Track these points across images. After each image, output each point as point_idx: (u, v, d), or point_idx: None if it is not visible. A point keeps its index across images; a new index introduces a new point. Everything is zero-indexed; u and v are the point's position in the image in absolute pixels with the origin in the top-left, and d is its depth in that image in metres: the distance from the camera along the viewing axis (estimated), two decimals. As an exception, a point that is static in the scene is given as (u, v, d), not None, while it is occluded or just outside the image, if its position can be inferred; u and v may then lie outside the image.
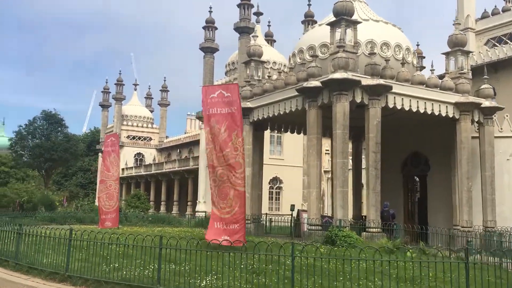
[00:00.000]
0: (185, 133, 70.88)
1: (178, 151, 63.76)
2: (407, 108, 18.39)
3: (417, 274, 10.39)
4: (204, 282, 8.89)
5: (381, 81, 17.44)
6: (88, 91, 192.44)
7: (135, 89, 73.01)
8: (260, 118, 21.43)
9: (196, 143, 59.93)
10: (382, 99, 17.67)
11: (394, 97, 18.08)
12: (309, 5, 46.68)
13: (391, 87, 17.65)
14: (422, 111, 18.76)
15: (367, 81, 17.32)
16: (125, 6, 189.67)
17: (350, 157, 26.96)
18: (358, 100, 17.38)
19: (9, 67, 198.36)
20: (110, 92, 71.11)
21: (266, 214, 30.72)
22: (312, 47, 20.44)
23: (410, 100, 18.46)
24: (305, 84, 18.05)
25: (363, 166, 29.39)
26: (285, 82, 19.99)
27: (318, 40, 20.34)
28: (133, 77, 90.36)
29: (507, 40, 31.83)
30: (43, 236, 11.38)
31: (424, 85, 19.07)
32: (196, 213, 43.75)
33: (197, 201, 45.21)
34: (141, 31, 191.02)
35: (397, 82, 18.13)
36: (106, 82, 71.96)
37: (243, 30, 41.01)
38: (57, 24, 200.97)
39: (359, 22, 18.28)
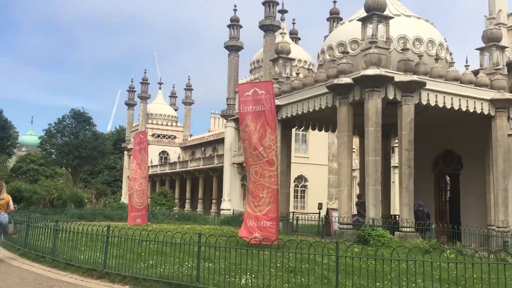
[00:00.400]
0: (209, 131, 71.15)
1: (202, 149, 64.00)
2: (441, 105, 17.96)
3: (459, 275, 10.10)
4: (243, 281, 8.78)
5: (415, 77, 17.07)
6: (113, 91, 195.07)
7: (160, 88, 73.64)
8: (289, 115, 21.24)
9: (220, 141, 60.10)
10: (416, 96, 17.30)
11: (428, 94, 17.67)
12: (334, 2, 46.26)
13: (424, 84, 17.26)
14: (456, 108, 18.31)
15: (400, 77, 16.98)
16: (150, 6, 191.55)
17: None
18: (391, 97, 17.06)
19: (37, 67, 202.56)
20: (135, 91, 71.88)
21: (293, 212, 30.53)
22: (342, 44, 20.14)
23: (444, 96, 18.03)
24: (335, 81, 17.80)
25: (392, 164, 28.95)
26: (315, 79, 19.76)
27: (348, 36, 20.03)
28: (157, 76, 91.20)
29: (541, 35, 30.91)
30: (80, 233, 11.44)
31: (459, 81, 18.61)
32: (221, 211, 43.81)
33: (222, 199, 45.25)
34: (166, 31, 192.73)
35: (431, 79, 17.72)
36: (132, 81, 72.80)
37: (268, 28, 40.92)
38: (84, 24, 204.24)
39: (391, 17, 17.93)
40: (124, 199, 58.80)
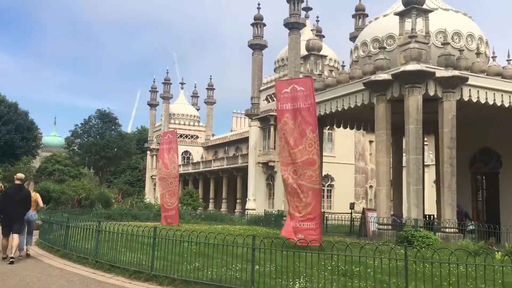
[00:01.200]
0: (231, 131, 70.95)
1: (225, 149, 63.85)
2: (483, 101, 17.33)
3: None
4: (297, 285, 8.42)
5: (456, 73, 16.49)
6: (133, 91, 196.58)
7: (182, 88, 73.73)
8: (322, 113, 20.77)
9: (243, 140, 59.87)
10: (457, 92, 16.72)
11: (470, 90, 17.07)
12: (360, -3, 45.58)
13: (467, 79, 16.66)
14: (499, 104, 17.65)
15: (441, 72, 16.41)
16: (171, 6, 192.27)
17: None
18: (431, 93, 16.50)
19: (60, 69, 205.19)
20: (157, 91, 72.06)
21: (324, 212, 30.02)
22: (377, 39, 19.64)
23: (486, 92, 17.40)
24: (373, 77, 17.31)
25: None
26: (350, 76, 19.29)
27: (384, 32, 19.52)
28: (177, 77, 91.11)
29: None
30: (124, 234, 11.21)
31: (500, 76, 17.94)
32: (246, 210, 43.52)
33: (247, 199, 44.98)
34: (187, 31, 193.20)
35: (472, 74, 17.10)
36: (154, 82, 73.01)
37: (293, 26, 40.48)
38: (105, 25, 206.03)
39: (430, 11, 17.37)
40: (147, 198, 59.06)
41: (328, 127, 25.23)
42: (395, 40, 18.96)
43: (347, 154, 42.61)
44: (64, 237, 14.25)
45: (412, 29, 16.63)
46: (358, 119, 22.82)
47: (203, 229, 19.55)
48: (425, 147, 37.32)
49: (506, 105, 17.84)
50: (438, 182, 19.64)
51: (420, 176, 15.99)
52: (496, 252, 12.13)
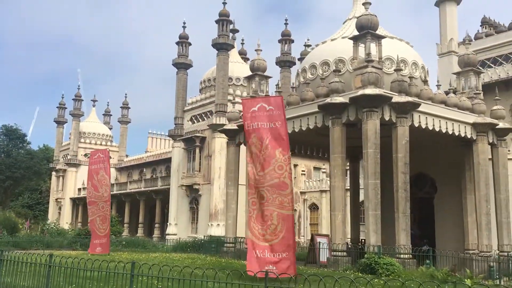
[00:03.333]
0: (146, 152, 68.11)
1: (141, 170, 61.00)
2: (430, 128, 17.72)
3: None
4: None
5: (410, 99, 16.69)
6: (32, 109, 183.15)
7: (94, 105, 69.62)
8: (269, 135, 20.09)
9: (161, 162, 57.60)
10: (409, 118, 16.90)
11: (419, 116, 17.37)
12: (286, 24, 46.38)
13: (419, 105, 16.94)
14: (444, 130, 18.16)
15: (396, 98, 16.51)
16: (83, 29, 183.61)
17: (347, 177, 26.21)
18: (387, 118, 16.51)
19: None
20: (66, 108, 67.35)
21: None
22: (327, 62, 19.55)
23: (433, 119, 17.83)
24: (329, 100, 17.00)
25: (361, 186, 28.58)
26: (301, 98, 18.88)
27: (332, 55, 19.48)
28: (81, 94, 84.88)
29: (491, 64, 32.45)
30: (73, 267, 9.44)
31: (444, 104, 18.53)
32: (167, 235, 41.39)
33: (168, 223, 42.85)
34: (101, 53, 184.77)
35: (421, 100, 17.44)
36: (62, 97, 68.12)
37: (222, 47, 39.86)
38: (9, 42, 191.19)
39: (384, 37, 17.57)
40: (53, 224, 54.16)
41: None
42: (345, 64, 18.97)
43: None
44: None
45: (369, 53, 16.64)
46: (306, 143, 22.47)
47: (141, 259, 17.76)
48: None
49: (450, 132, 18.42)
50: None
51: (379, 201, 15.77)
52: (465, 280, 11.96)
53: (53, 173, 63.31)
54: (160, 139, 71.04)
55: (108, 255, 20.00)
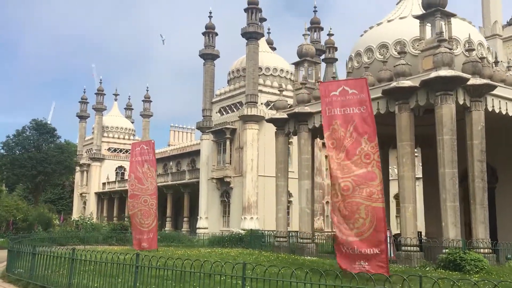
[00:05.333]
0: (168, 145, 67.48)
1: (165, 164, 60.27)
2: (504, 112, 16.49)
3: None
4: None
5: (485, 81, 15.46)
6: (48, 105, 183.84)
7: (115, 99, 69.00)
8: (317, 126, 19.02)
9: (185, 155, 56.78)
10: (483, 101, 15.69)
11: (493, 99, 16.15)
12: (315, 11, 45.14)
13: (494, 87, 15.72)
14: (517, 115, 16.89)
15: (472, 80, 15.29)
16: (101, 28, 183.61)
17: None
18: (461, 101, 15.32)
19: None
20: (88, 102, 66.89)
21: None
22: (385, 45, 18.35)
23: (506, 102, 16.59)
24: (395, 84, 15.84)
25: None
26: (361, 82, 17.68)
27: (391, 37, 18.29)
28: (93, 89, 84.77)
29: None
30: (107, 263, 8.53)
31: (515, 87, 17.25)
32: (198, 229, 40.64)
33: (199, 217, 42.03)
34: (119, 49, 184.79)
35: (496, 83, 16.20)
36: (84, 92, 67.69)
37: (252, 36, 38.74)
38: (29, 42, 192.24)
39: (454, 15, 16.33)
40: (77, 218, 53.86)
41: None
42: (405, 45, 17.77)
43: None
44: (30, 267, 11.55)
45: (440, 32, 15.43)
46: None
47: (193, 255, 16.86)
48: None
49: (523, 117, 17.13)
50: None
51: (457, 192, 14.63)
52: None
53: (77, 167, 62.93)
54: (182, 132, 70.36)
55: (156, 250, 19.17)
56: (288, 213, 40.97)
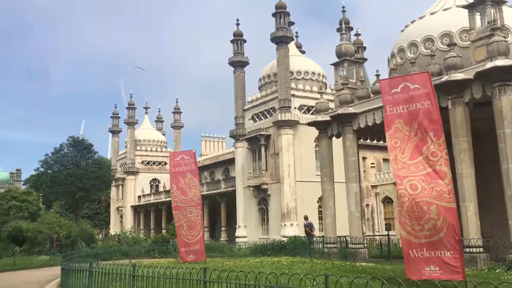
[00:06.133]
0: (200, 155, 67.53)
1: (199, 174, 60.22)
2: None
3: None
4: None
5: (545, 69, 14.58)
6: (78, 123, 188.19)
7: (146, 113, 69.74)
8: (370, 124, 18.40)
9: (218, 165, 56.70)
10: (543, 92, 14.79)
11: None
12: (343, 11, 44.45)
13: (556, 77, 14.79)
14: None
15: (531, 69, 14.45)
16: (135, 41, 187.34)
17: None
18: (519, 93, 14.49)
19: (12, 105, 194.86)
20: (119, 117, 67.82)
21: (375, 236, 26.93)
22: (430, 38, 17.66)
23: None
24: (447, 78, 15.13)
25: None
26: (408, 79, 17.02)
27: (436, 30, 17.59)
28: (123, 103, 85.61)
29: None
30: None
31: None
32: (236, 238, 40.25)
33: (237, 226, 41.70)
34: (148, 64, 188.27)
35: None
36: (115, 107, 68.82)
37: (281, 40, 38.38)
38: (59, 63, 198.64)
39: (505, 1, 15.54)
40: (113, 232, 54.34)
41: (376, 140, 22.43)
42: (452, 37, 17.04)
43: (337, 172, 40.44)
44: (88, 285, 11.31)
45: (494, 20, 14.68)
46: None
47: (243, 266, 16.44)
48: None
49: None
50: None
51: (524, 188, 13.81)
52: None
53: (112, 182, 63.65)
54: (213, 141, 70.37)
55: (204, 262, 18.82)
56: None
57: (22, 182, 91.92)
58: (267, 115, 40.09)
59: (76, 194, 39.45)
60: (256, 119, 41.40)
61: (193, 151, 21.01)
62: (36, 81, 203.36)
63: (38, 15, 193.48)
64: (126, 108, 64.63)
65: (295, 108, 38.28)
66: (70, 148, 40.87)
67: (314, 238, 24.33)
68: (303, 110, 38.74)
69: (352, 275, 7.73)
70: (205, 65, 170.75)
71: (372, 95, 18.64)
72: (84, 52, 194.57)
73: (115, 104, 70.27)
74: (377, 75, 18.93)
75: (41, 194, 50.99)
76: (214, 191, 47.57)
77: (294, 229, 35.25)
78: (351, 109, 18.87)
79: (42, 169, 41.42)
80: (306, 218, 25.31)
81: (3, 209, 39.23)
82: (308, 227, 23.65)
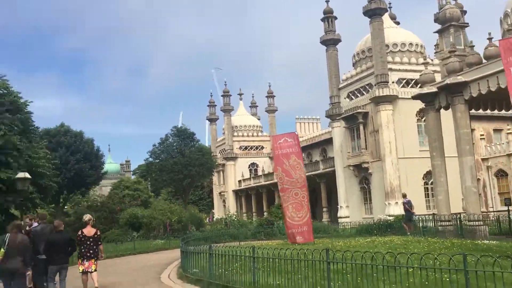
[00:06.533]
0: (296, 137, 67.56)
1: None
2: None
3: None
4: None
5: None
6: (176, 115, 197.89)
7: (240, 99, 71.21)
8: (484, 92, 17.05)
9: (314, 146, 56.49)
10: None
11: None
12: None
13: None
14: None
15: None
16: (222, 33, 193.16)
17: None
18: None
19: (109, 103, 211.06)
20: (215, 105, 69.98)
21: (434, 214, 25.62)
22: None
23: None
24: None
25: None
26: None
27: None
28: (217, 93, 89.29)
29: None
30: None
31: None
32: (339, 219, 39.89)
33: (339, 206, 41.34)
34: (236, 51, 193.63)
35: None
36: (211, 96, 70.96)
37: (375, 13, 36.86)
38: (155, 60, 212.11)
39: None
40: (217, 216, 56.49)
41: (490, 109, 20.92)
42: None
43: (448, 146, 38.25)
44: (209, 267, 11.82)
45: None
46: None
47: (357, 246, 16.18)
48: None
49: None
50: None
51: None
52: None
53: (213, 170, 66.15)
54: (308, 123, 70.10)
55: (313, 243, 18.86)
56: (433, 194, 38.45)
57: (131, 173, 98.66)
58: (364, 92, 38.96)
59: (183, 181, 41.50)
60: (352, 97, 40.41)
61: (296, 133, 20.98)
62: (136, 79, 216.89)
63: (134, 16, 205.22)
64: (221, 96, 66.55)
65: (393, 82, 36.78)
66: (175, 137, 43.05)
67: (414, 216, 23.70)
68: (402, 84, 37.11)
69: (478, 254, 7.25)
70: (296, 47, 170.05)
71: (484, 61, 17.22)
72: (177, 46, 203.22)
73: (211, 93, 72.33)
74: (489, 38, 17.38)
75: (149, 183, 54.34)
76: (312, 173, 47.45)
77: (399, 208, 34.08)
78: (461, 78, 17.61)
79: (151, 159, 44.12)
80: (404, 196, 25.04)
81: (118, 198, 42.38)
82: (408, 205, 23.10)
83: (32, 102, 25.79)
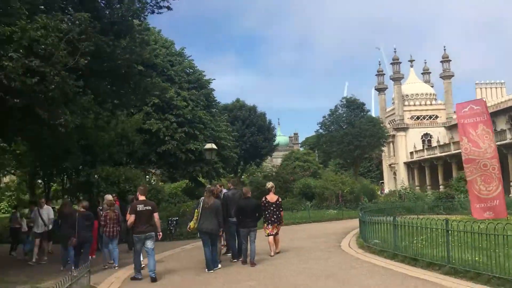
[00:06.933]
0: (476, 105, 61.56)
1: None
2: None
3: None
4: None
5: None
6: (340, 87, 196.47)
7: (411, 66, 67.29)
8: None
9: (499, 113, 50.86)
10: None
11: None
12: None
13: None
14: None
15: None
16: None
17: None
18: None
19: (281, 76, 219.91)
20: (384, 74, 67.31)
21: None
22: None
23: None
24: None
25: None
26: None
27: None
28: (385, 67, 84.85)
29: None
30: None
31: None
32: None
33: (532, 180, 36.63)
34: (400, 13, 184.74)
35: None
36: (379, 64, 68.49)
37: None
38: (319, 32, 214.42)
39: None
40: (387, 189, 54.76)
41: None
42: None
43: None
44: (394, 238, 11.43)
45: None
46: None
47: None
48: None
49: None
50: None
51: None
52: None
53: (381, 140, 64.20)
54: (491, 88, 63.22)
55: (506, 219, 16.97)
56: None
57: (299, 145, 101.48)
58: None
59: (354, 152, 41.10)
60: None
61: (483, 99, 18.95)
62: (303, 52, 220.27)
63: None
64: (391, 63, 63.75)
65: None
66: (344, 108, 42.70)
67: None
68: None
69: None
70: (474, 5, 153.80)
71: None
72: (340, 17, 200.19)
73: (379, 61, 70.07)
74: None
75: (317, 154, 55.10)
76: (498, 143, 42.62)
77: None
78: None
79: (321, 131, 44.58)
80: None
81: (290, 168, 43.95)
82: None
83: (214, 79, 27.82)
